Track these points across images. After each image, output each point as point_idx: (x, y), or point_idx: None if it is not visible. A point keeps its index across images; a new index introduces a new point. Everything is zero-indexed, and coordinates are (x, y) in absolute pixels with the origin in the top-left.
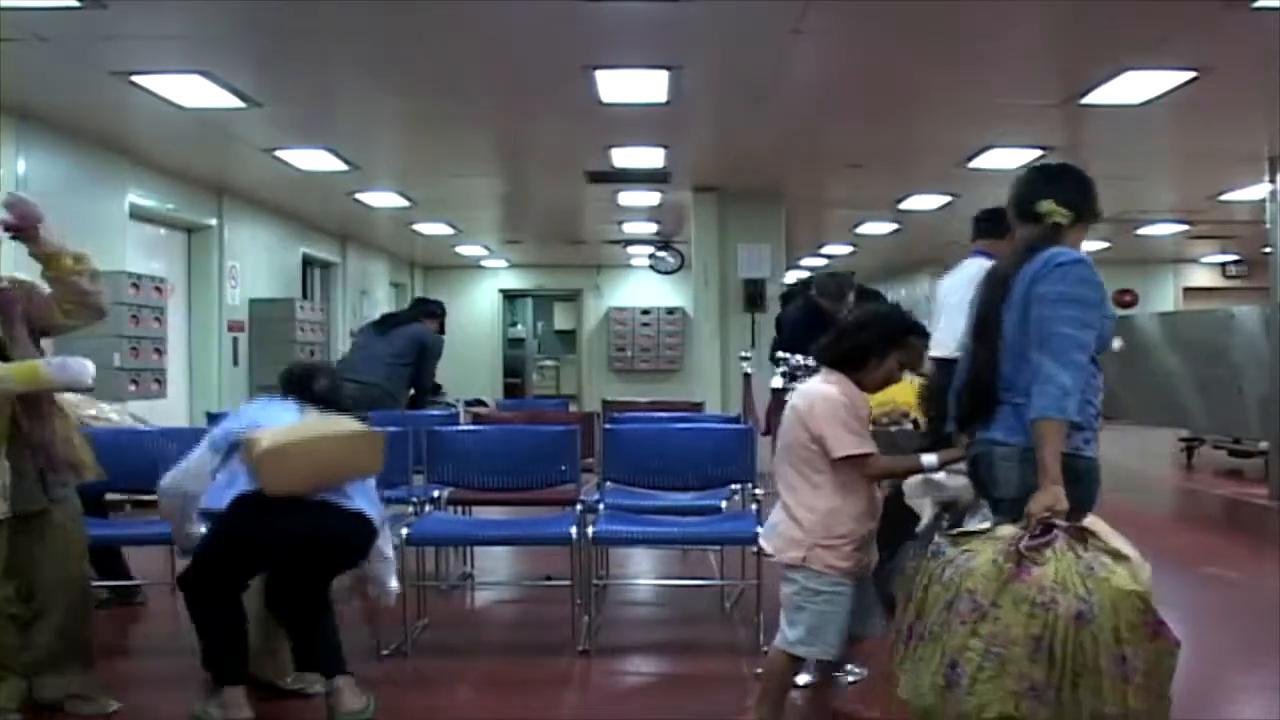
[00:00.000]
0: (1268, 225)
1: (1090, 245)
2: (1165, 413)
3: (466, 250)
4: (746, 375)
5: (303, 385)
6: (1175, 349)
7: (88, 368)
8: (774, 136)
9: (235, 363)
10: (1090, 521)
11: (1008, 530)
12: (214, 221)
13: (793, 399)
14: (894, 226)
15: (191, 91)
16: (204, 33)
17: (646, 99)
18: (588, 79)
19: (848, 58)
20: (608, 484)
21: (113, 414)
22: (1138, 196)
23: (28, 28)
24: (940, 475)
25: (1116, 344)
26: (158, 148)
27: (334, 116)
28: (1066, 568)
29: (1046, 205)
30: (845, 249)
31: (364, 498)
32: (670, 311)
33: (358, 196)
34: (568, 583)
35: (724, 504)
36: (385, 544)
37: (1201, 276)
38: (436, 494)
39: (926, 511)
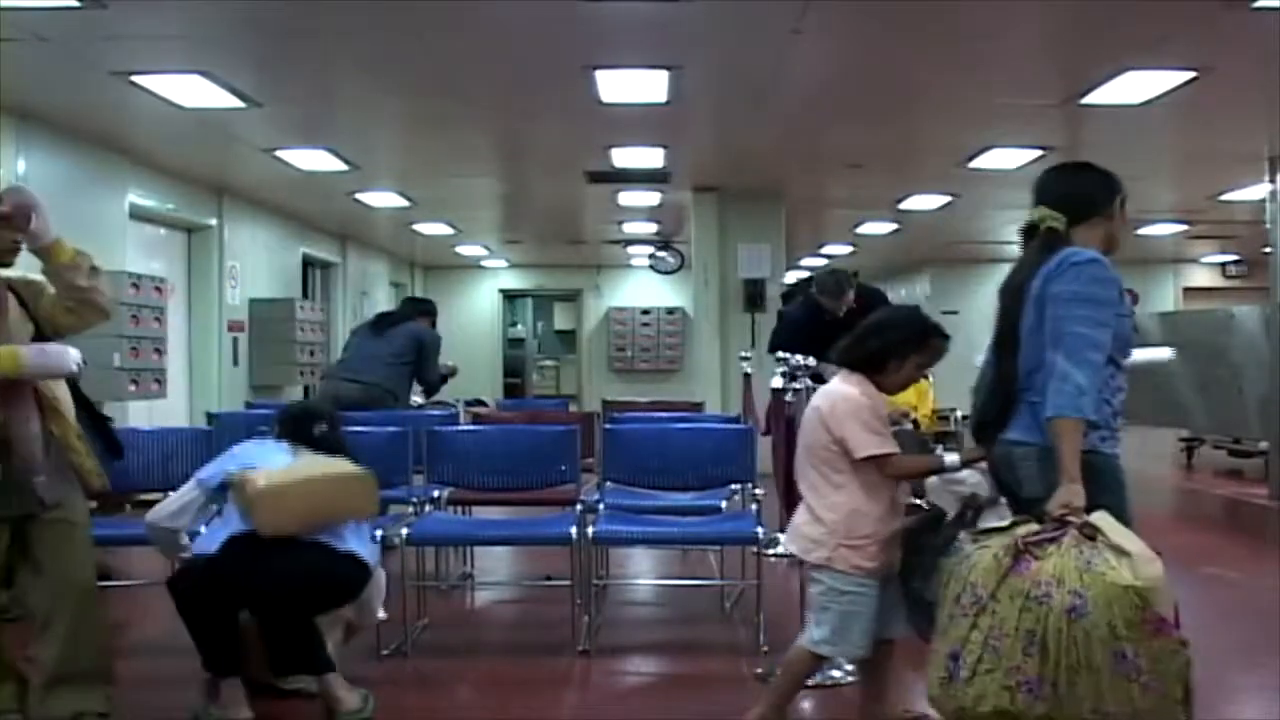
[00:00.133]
0: (1268, 225)
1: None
2: (1165, 413)
3: (466, 250)
4: (746, 375)
5: (300, 429)
6: (1175, 349)
7: (68, 353)
8: (774, 136)
9: (235, 363)
10: (1097, 517)
11: (1026, 527)
12: (214, 221)
13: (814, 400)
14: (894, 226)
15: (191, 91)
16: (204, 33)
17: (646, 99)
18: (588, 79)
19: (848, 58)
20: (608, 484)
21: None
22: (1138, 196)
23: (28, 28)
24: (959, 473)
25: (1168, 353)
26: (158, 148)
27: (334, 116)
28: (1066, 562)
29: (1039, 212)
30: (845, 249)
31: (357, 540)
32: (670, 311)
33: (358, 196)
34: (568, 583)
35: (724, 504)
36: (379, 581)
37: (1201, 276)
38: (436, 494)
39: (951, 509)
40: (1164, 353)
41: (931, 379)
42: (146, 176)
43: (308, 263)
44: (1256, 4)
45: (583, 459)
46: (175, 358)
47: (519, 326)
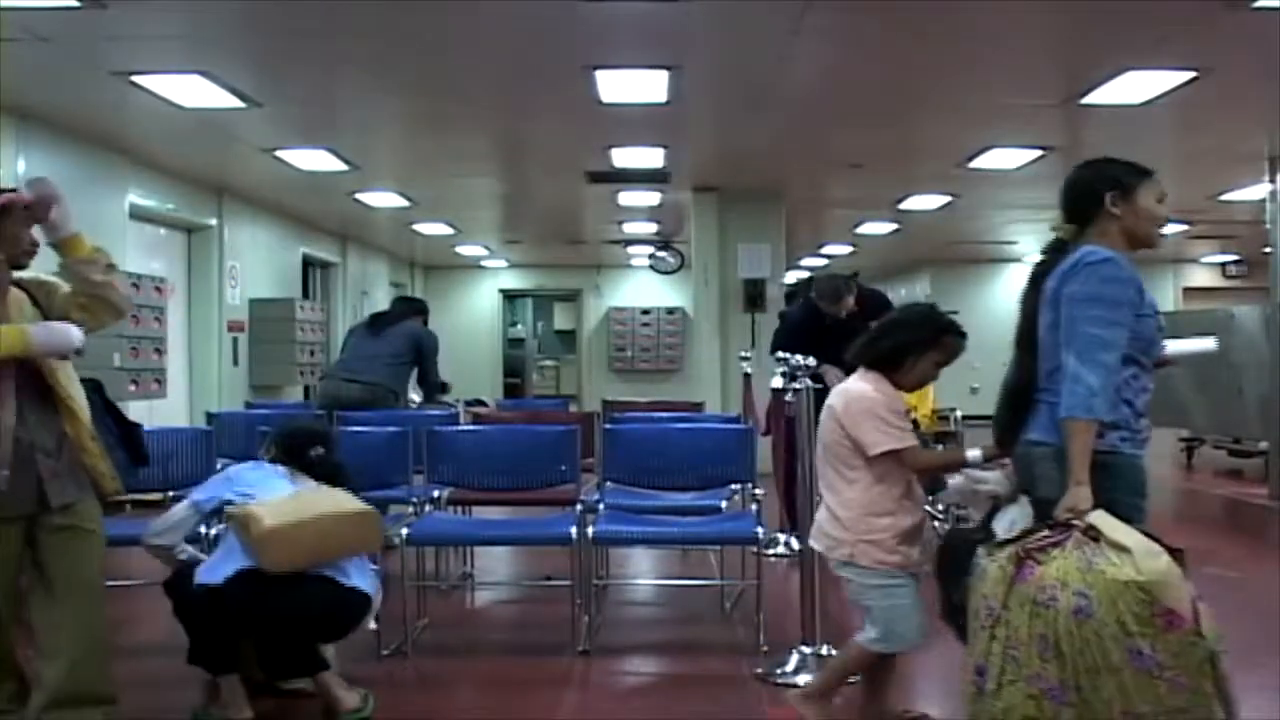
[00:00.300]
0: (1268, 225)
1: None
2: (1165, 413)
3: (466, 250)
4: (746, 375)
5: (297, 452)
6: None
7: (72, 330)
8: (774, 136)
9: (235, 363)
10: (1094, 516)
11: (1036, 535)
12: (214, 221)
13: (829, 398)
14: (894, 226)
15: (191, 91)
16: (204, 33)
17: (646, 99)
18: (588, 79)
19: (848, 58)
20: (608, 484)
21: None
22: None
23: (28, 28)
24: (979, 471)
25: (1213, 342)
26: (158, 148)
27: (334, 116)
28: (1068, 564)
29: (1055, 224)
30: (845, 249)
31: (360, 574)
32: (670, 311)
33: (358, 196)
34: (568, 583)
35: (724, 504)
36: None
37: (1201, 276)
38: (436, 494)
39: (979, 510)
40: (1209, 342)
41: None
42: (146, 176)
43: (308, 263)
44: (1256, 4)
45: (583, 459)
46: (175, 358)
47: (519, 326)
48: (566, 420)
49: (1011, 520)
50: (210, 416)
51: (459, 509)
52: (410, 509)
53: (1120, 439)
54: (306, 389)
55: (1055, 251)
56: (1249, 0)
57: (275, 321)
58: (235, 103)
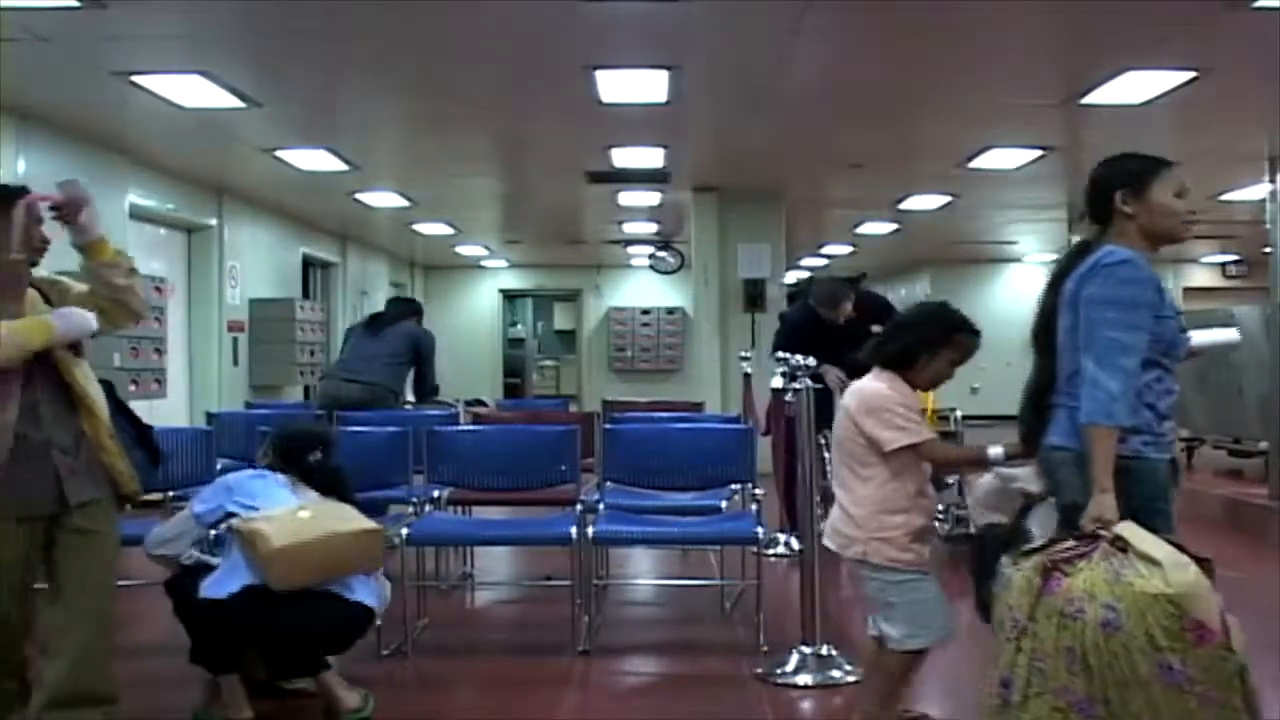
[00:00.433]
0: (1268, 225)
1: None
2: None
3: (466, 250)
4: (746, 375)
5: (296, 456)
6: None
7: (87, 316)
8: (774, 136)
9: (235, 363)
10: (1123, 527)
11: (1062, 546)
12: (214, 221)
13: (844, 398)
14: (894, 226)
15: (191, 91)
16: (204, 33)
17: (646, 99)
18: (588, 79)
19: (848, 58)
20: (608, 484)
21: None
22: None
23: (28, 28)
24: (1008, 469)
25: (1235, 334)
26: (158, 148)
27: (334, 116)
28: (1095, 576)
29: (1085, 234)
30: (845, 249)
31: (363, 587)
32: (670, 311)
33: (358, 196)
34: (568, 583)
35: (724, 504)
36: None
37: (1201, 276)
38: (436, 494)
39: (1010, 509)
40: (1232, 333)
41: None
42: (146, 176)
43: (308, 263)
44: (1256, 4)
45: (583, 459)
46: (175, 358)
47: (519, 326)
48: (566, 420)
49: (1044, 518)
50: (210, 416)
51: (459, 509)
52: (410, 509)
53: (1143, 443)
54: (306, 389)
55: (1078, 253)
56: (1249, 0)
57: (275, 321)
58: (235, 103)
